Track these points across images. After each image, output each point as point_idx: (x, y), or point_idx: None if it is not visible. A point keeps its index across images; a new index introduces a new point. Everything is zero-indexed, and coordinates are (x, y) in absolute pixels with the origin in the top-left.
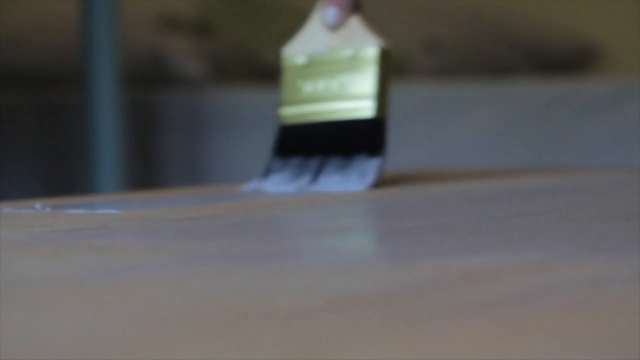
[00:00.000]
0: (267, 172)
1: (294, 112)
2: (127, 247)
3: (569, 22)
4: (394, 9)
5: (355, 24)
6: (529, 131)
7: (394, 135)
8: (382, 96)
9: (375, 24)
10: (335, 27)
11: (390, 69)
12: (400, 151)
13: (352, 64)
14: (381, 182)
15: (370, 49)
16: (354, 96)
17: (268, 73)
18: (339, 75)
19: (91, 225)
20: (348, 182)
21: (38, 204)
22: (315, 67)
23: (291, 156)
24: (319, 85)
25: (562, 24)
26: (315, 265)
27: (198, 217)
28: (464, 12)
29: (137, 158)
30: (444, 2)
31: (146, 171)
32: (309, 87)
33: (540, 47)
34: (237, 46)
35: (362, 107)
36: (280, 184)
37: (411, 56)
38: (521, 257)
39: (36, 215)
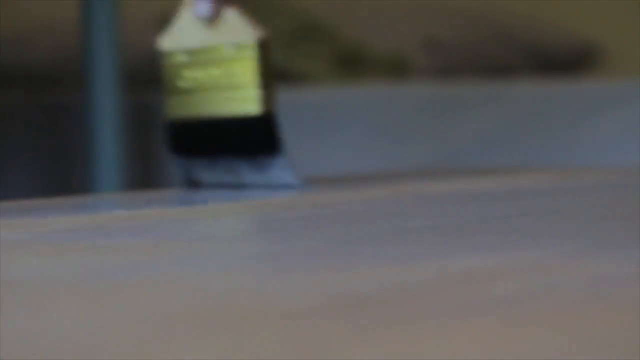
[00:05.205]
0: (190, 176)
1: (180, 110)
2: (127, 247)
3: (569, 22)
4: (394, 9)
5: (231, 16)
6: (529, 131)
7: (394, 136)
8: (267, 89)
9: (375, 24)
10: (209, 20)
11: (271, 60)
12: (401, 151)
13: (233, 58)
14: (381, 183)
15: (250, 41)
16: (239, 91)
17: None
18: (220, 69)
19: (91, 225)
20: (276, 181)
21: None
22: (195, 62)
23: (192, 156)
24: (202, 81)
25: (562, 24)
26: (315, 265)
27: (198, 217)
28: (464, 12)
29: (137, 158)
30: (444, 2)
31: (146, 171)
32: (191, 83)
33: (540, 47)
34: None
35: (249, 103)
36: (215, 184)
37: (411, 56)
38: (521, 257)
39: (36, 215)
